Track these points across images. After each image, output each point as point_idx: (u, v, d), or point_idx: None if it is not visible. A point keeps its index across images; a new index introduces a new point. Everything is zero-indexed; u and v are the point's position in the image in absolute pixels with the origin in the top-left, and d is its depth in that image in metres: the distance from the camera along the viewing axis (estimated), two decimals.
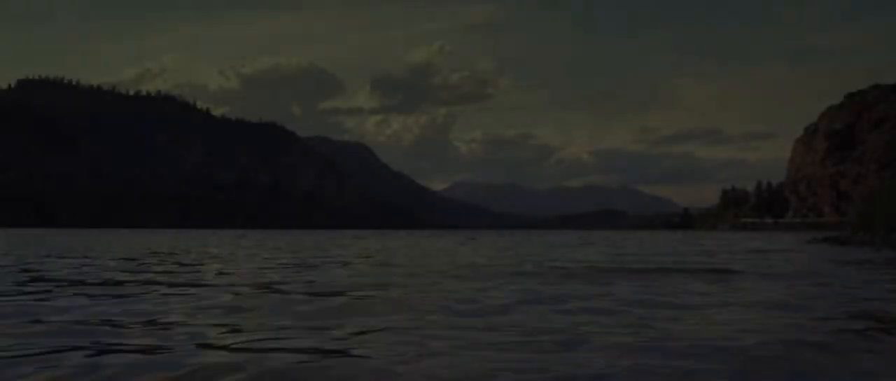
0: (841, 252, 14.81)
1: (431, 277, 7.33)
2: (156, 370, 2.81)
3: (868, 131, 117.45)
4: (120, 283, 6.77)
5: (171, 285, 6.56)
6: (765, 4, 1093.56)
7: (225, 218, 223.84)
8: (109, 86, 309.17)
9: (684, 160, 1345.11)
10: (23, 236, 35.23)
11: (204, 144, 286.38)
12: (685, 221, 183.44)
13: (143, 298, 5.47)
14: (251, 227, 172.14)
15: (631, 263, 10.43)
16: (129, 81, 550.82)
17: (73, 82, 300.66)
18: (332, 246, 20.27)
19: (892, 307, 5.03)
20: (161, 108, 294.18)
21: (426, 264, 8.99)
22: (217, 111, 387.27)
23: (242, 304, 5.15)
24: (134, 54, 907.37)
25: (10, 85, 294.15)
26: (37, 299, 5.29)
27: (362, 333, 3.73)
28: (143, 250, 15.96)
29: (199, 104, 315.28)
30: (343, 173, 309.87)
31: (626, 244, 21.88)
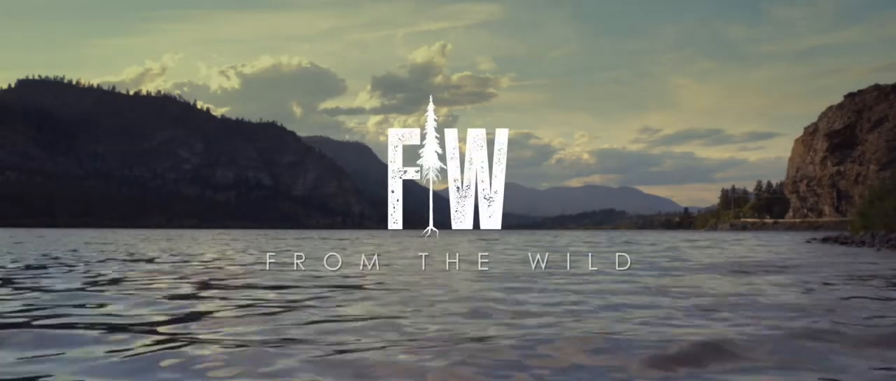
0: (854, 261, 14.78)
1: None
2: None
3: (868, 131, 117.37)
4: None
5: None
6: (765, 4, 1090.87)
7: (225, 218, 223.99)
8: (109, 86, 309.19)
9: (684, 160, 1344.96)
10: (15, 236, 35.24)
11: (204, 144, 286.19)
12: (685, 221, 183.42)
13: None
14: (251, 227, 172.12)
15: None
16: (129, 81, 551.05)
17: (73, 82, 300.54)
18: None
19: None
20: (161, 108, 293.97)
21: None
22: (217, 111, 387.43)
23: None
24: (134, 54, 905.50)
25: (10, 85, 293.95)
26: None
27: None
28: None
29: (199, 104, 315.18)
30: (343, 173, 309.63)
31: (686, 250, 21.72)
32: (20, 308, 4.98)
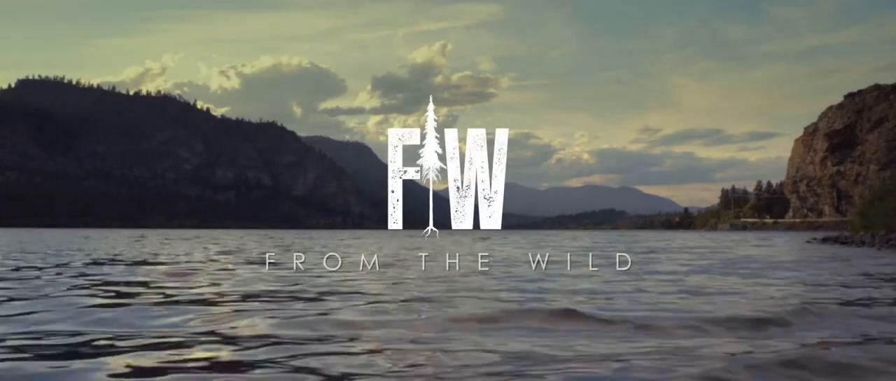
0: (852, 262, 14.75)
1: None
2: None
3: (868, 131, 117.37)
4: None
5: None
6: (765, 4, 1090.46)
7: (225, 218, 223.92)
8: (109, 86, 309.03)
9: (684, 160, 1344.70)
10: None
11: (204, 144, 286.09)
12: (685, 221, 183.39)
13: None
14: (251, 227, 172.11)
15: None
16: (129, 81, 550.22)
17: (73, 82, 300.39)
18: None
19: None
20: (161, 108, 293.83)
21: None
22: (217, 111, 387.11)
23: None
24: (134, 54, 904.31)
25: (10, 85, 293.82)
26: None
27: None
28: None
29: (199, 104, 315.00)
30: (343, 173, 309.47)
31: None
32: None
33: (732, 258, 13.53)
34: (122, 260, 11.96)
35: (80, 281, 7.30)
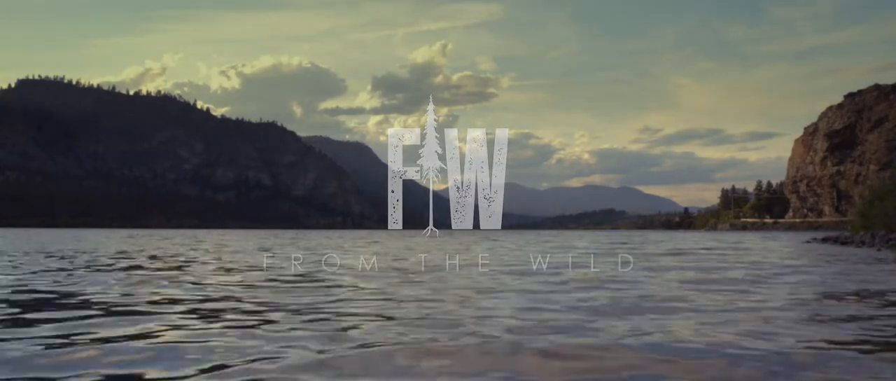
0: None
1: None
2: None
3: (868, 131, 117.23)
4: None
5: None
6: (765, 4, 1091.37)
7: (225, 218, 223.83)
8: (109, 86, 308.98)
9: (684, 160, 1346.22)
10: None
11: (204, 144, 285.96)
12: (685, 221, 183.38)
13: None
14: (251, 227, 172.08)
15: None
16: (129, 81, 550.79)
17: (73, 82, 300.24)
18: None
19: None
20: (161, 108, 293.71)
21: None
22: (217, 111, 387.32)
23: None
24: (134, 54, 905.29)
25: (10, 85, 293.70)
26: None
27: None
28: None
29: (199, 104, 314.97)
30: (343, 173, 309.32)
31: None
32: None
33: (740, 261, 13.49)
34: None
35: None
